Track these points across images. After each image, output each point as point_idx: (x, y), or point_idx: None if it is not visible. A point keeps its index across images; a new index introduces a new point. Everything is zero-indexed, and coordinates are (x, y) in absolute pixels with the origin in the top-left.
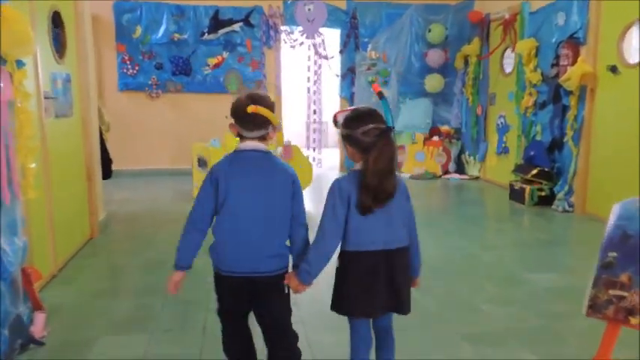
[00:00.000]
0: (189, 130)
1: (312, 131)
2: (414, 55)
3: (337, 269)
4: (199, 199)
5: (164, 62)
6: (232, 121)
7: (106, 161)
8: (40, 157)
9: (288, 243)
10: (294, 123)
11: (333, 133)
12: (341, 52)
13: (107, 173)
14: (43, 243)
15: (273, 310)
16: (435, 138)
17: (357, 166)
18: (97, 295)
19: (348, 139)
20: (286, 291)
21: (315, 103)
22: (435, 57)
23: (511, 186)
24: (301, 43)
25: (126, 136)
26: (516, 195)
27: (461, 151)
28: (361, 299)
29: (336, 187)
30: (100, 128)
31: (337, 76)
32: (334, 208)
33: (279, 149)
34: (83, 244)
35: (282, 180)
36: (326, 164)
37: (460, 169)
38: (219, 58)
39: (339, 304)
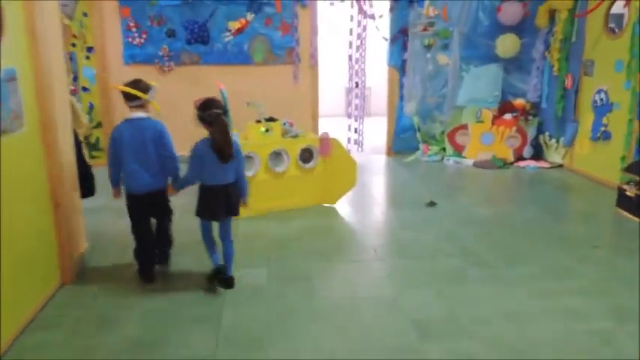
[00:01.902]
0: None
1: (355, 96)
2: (483, 10)
3: (198, 194)
4: (109, 150)
5: (176, 28)
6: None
7: (86, 176)
8: None
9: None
10: (331, 89)
11: (378, 98)
12: (391, 9)
13: (88, 190)
14: None
15: (160, 209)
16: (508, 116)
17: (208, 135)
18: None
19: (199, 118)
20: (168, 199)
21: (357, 74)
22: (510, 12)
23: (621, 190)
24: (342, 0)
25: None
26: (629, 204)
27: (539, 132)
28: (208, 210)
29: (194, 150)
30: (74, 133)
31: (385, 39)
32: (192, 162)
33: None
34: (47, 300)
35: (152, 134)
36: (368, 144)
37: (537, 154)
38: (243, 21)
39: (199, 212)
